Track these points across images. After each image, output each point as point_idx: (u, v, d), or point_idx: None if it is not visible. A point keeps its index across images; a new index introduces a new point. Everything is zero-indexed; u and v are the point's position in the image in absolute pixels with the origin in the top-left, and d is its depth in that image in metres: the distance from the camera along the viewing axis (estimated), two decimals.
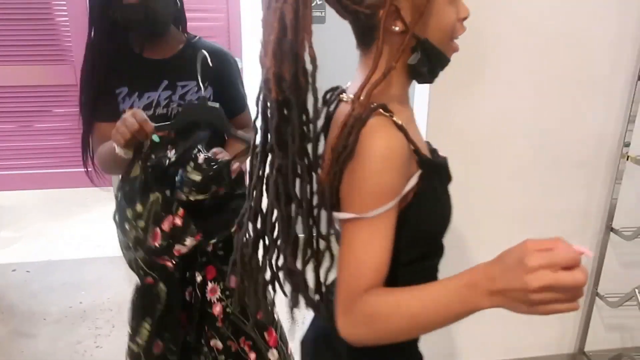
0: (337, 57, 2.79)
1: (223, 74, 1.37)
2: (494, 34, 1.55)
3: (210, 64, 1.29)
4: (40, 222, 3.34)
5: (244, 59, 3.31)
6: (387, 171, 0.66)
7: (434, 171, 0.75)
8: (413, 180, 0.71)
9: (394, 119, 0.70)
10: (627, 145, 1.67)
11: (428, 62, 0.73)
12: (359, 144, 0.67)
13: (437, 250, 0.83)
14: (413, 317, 0.63)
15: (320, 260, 0.75)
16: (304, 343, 0.96)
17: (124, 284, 2.65)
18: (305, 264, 0.74)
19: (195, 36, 1.41)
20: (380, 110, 0.69)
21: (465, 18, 0.76)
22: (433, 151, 0.85)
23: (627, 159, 1.67)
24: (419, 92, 1.67)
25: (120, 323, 2.29)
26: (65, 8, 2.60)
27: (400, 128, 0.69)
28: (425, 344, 2.09)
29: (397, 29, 0.70)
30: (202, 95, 1.29)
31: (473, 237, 1.79)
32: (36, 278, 2.68)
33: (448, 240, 0.82)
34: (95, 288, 2.59)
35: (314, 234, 0.73)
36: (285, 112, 0.68)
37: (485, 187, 1.73)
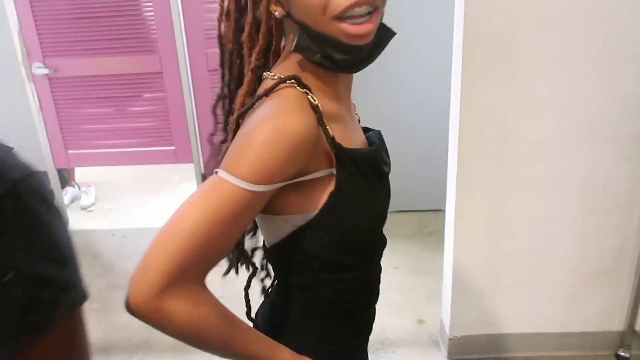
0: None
1: None
2: (521, 11, 1.59)
3: None
4: (135, 196, 3.81)
5: None
6: (275, 148, 0.57)
7: (356, 165, 0.67)
8: (318, 174, 0.64)
9: (310, 96, 0.63)
10: None
11: (314, 51, 0.63)
12: (259, 107, 0.62)
13: (366, 259, 0.75)
14: (208, 333, 0.59)
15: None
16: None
17: None
18: None
19: None
20: (293, 82, 0.64)
21: None
22: (374, 145, 0.75)
23: None
24: (454, 76, 1.75)
25: None
26: (151, 4, 2.94)
27: (315, 108, 0.62)
28: (466, 310, 2.17)
29: (277, 14, 0.65)
30: None
31: (511, 209, 1.84)
32: (131, 242, 3.10)
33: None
34: None
35: None
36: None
37: (524, 162, 1.77)
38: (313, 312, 0.75)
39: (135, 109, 3.21)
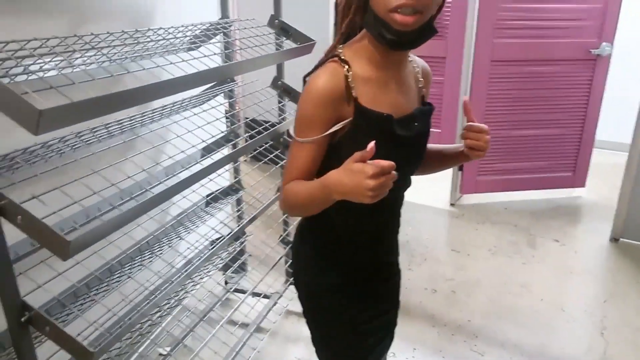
0: None
1: None
2: None
3: None
4: None
5: (615, 45, 3.14)
6: (312, 106, 0.90)
7: (367, 121, 0.92)
8: (341, 124, 0.91)
9: (345, 69, 0.91)
10: None
11: (374, 28, 0.89)
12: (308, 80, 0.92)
13: None
14: (300, 200, 0.93)
15: None
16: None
17: (443, 231, 3.10)
18: None
19: None
20: (336, 59, 0.93)
21: None
22: (412, 115, 0.99)
23: None
24: None
25: (431, 258, 2.74)
26: None
27: (345, 78, 0.90)
28: None
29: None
30: None
31: None
32: None
33: None
34: (421, 227, 3.12)
35: None
36: None
37: None
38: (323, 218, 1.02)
39: None
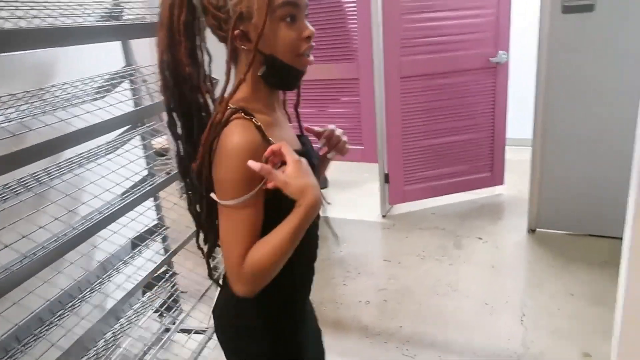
0: (605, 45, 2.66)
1: None
2: None
3: None
4: (330, 189, 4.21)
5: (510, 53, 3.41)
6: (240, 166, 0.80)
7: None
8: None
9: (254, 120, 0.85)
10: None
11: (276, 73, 0.89)
12: (220, 141, 0.83)
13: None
14: (278, 253, 0.82)
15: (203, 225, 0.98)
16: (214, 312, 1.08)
17: (375, 243, 3.22)
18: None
19: None
20: (241, 113, 0.85)
21: (309, 37, 0.88)
22: (306, 145, 1.01)
23: None
24: None
25: (364, 271, 2.85)
26: (355, 19, 3.26)
27: (258, 128, 0.85)
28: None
29: (245, 47, 0.87)
30: None
31: None
32: (325, 228, 3.50)
33: None
34: (354, 242, 3.24)
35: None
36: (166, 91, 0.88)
37: None
38: None
39: (333, 110, 3.59)
